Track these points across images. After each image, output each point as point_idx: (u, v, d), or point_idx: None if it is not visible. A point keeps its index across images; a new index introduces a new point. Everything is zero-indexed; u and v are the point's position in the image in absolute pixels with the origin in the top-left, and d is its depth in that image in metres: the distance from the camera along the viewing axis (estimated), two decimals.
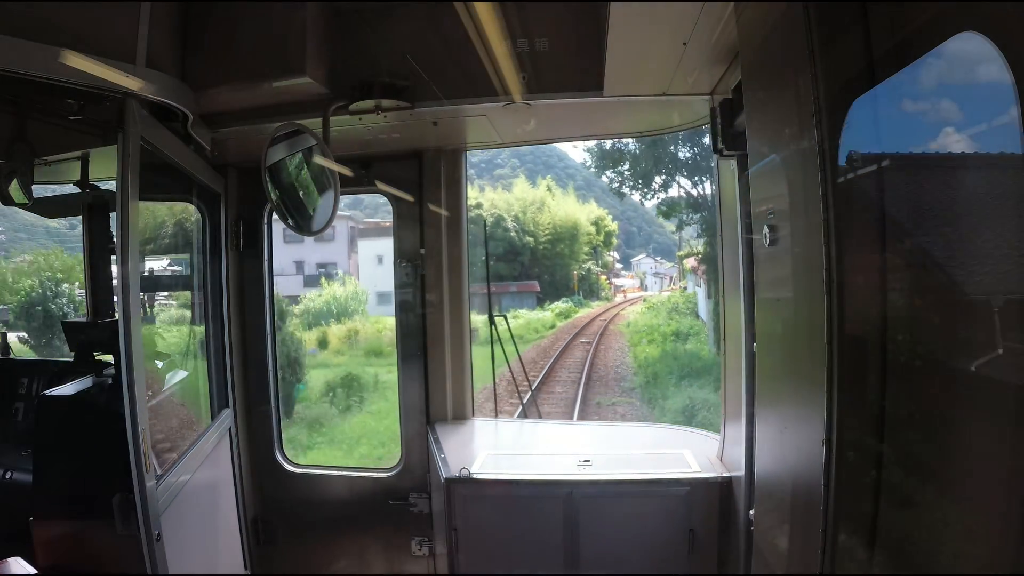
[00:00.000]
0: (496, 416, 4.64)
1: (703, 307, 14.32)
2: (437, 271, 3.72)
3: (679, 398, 11.18)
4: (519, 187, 26.70)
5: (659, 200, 17.81)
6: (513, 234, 24.33)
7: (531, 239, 24.49)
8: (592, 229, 26.74)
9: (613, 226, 26.96)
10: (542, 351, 14.75)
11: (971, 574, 1.35)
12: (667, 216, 18.84)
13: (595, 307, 24.69)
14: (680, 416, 11.47)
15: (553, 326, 19.76)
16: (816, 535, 1.59)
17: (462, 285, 3.78)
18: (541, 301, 24.03)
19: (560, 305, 23.88)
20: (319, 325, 18.01)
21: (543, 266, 25.09)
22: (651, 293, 25.48)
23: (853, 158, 1.61)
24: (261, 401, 3.86)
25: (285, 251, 21.11)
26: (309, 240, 21.34)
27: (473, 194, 25.27)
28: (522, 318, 20.32)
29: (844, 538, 1.58)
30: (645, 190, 18.02)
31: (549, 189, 26.98)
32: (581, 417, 12.06)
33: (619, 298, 25.97)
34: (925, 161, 1.55)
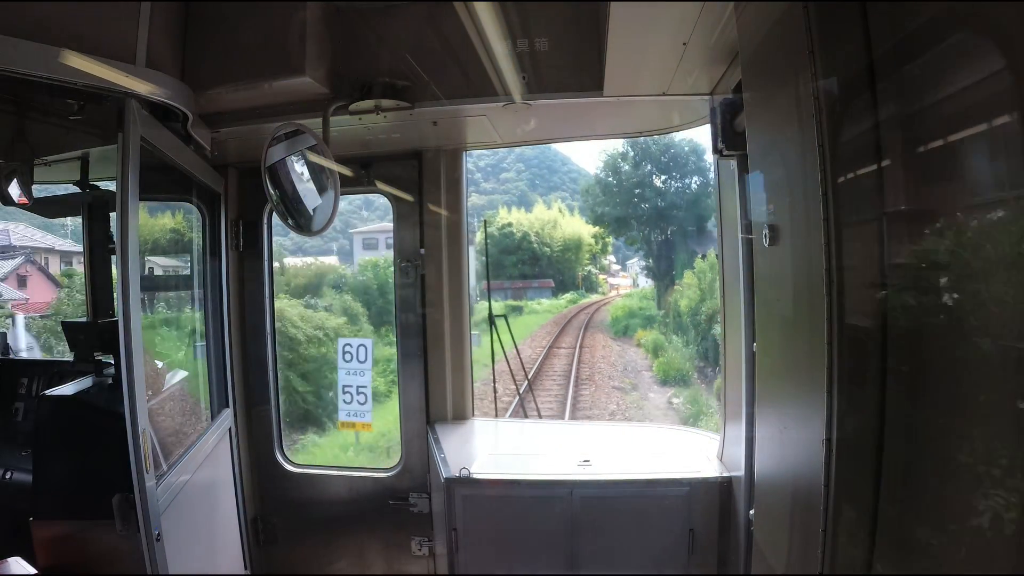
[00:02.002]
0: (496, 415, 4.65)
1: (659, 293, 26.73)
2: (437, 271, 3.72)
3: (624, 324, 23.75)
4: (538, 209, 37.79)
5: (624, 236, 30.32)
6: (535, 245, 34.65)
7: (547, 249, 34.94)
8: (592, 241, 36.13)
9: (608, 239, 36.45)
10: (563, 316, 27.36)
11: (971, 574, 1.35)
12: (630, 245, 31.15)
13: (594, 297, 34.71)
14: (622, 329, 23.23)
15: (566, 307, 31.68)
16: (816, 535, 1.59)
17: (462, 285, 3.78)
18: (555, 293, 34.38)
19: (569, 296, 34.27)
20: None
21: (556, 268, 35.23)
22: (637, 289, 34.94)
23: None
24: (261, 401, 3.86)
25: (366, 256, 27.41)
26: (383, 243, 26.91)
27: (503, 214, 36.73)
28: (544, 304, 31.72)
29: (844, 538, 1.58)
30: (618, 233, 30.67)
31: (560, 211, 37.46)
32: (584, 342, 19.55)
33: (613, 292, 36.19)
34: (925, 161, 1.55)
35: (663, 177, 26.74)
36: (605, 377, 15.52)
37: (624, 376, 16.10)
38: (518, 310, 28.33)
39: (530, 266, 34.12)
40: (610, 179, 28.09)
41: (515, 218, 36.09)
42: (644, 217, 26.97)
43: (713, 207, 3.03)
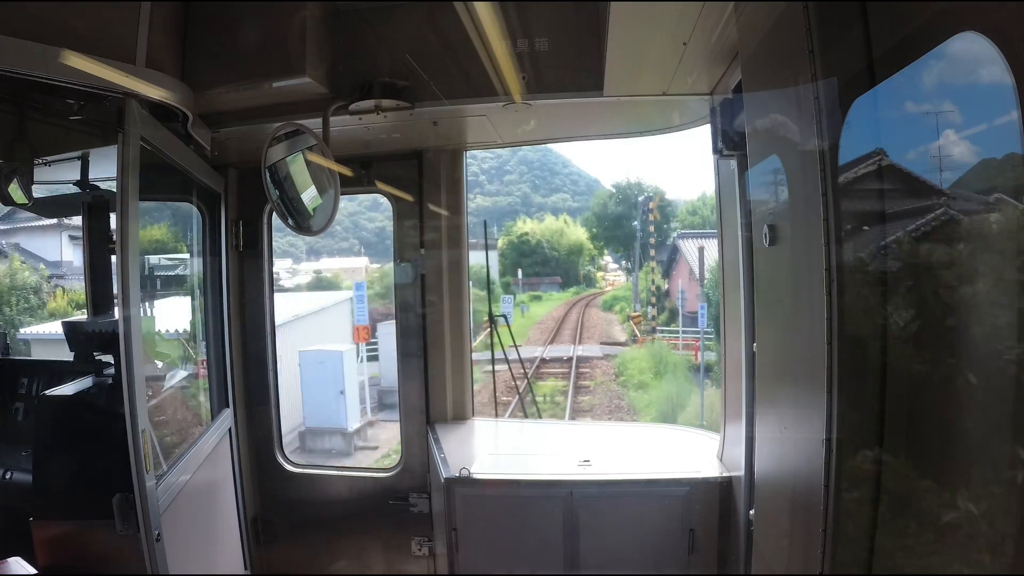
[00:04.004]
0: (496, 415, 4.65)
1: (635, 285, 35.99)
2: (437, 271, 3.72)
3: (610, 304, 34.30)
4: (547, 220, 48.30)
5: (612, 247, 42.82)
6: (547, 250, 44.62)
7: (556, 252, 45.07)
8: (591, 245, 45.98)
9: (603, 247, 46.70)
10: (570, 302, 37.37)
11: (971, 574, 1.35)
12: (616, 253, 43.68)
13: (592, 291, 43.90)
14: (608, 307, 34.35)
15: (571, 297, 41.19)
16: (816, 535, 1.59)
17: (462, 285, 3.78)
18: (562, 288, 43.79)
19: (573, 289, 43.37)
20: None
21: (562, 268, 45.21)
22: (625, 283, 43.71)
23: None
24: (261, 401, 3.86)
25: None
26: None
27: (519, 224, 46.33)
28: (555, 295, 41.46)
29: (844, 538, 1.58)
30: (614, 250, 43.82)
31: (566, 222, 47.85)
32: (585, 312, 32.19)
33: (608, 287, 45.56)
34: (925, 161, 1.55)
35: (638, 211, 38.96)
36: (595, 322, 30.75)
37: (603, 320, 31.50)
38: (538, 298, 39.76)
39: (542, 266, 45.71)
40: (600, 212, 43.53)
41: (529, 227, 47.43)
42: (626, 236, 41.31)
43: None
